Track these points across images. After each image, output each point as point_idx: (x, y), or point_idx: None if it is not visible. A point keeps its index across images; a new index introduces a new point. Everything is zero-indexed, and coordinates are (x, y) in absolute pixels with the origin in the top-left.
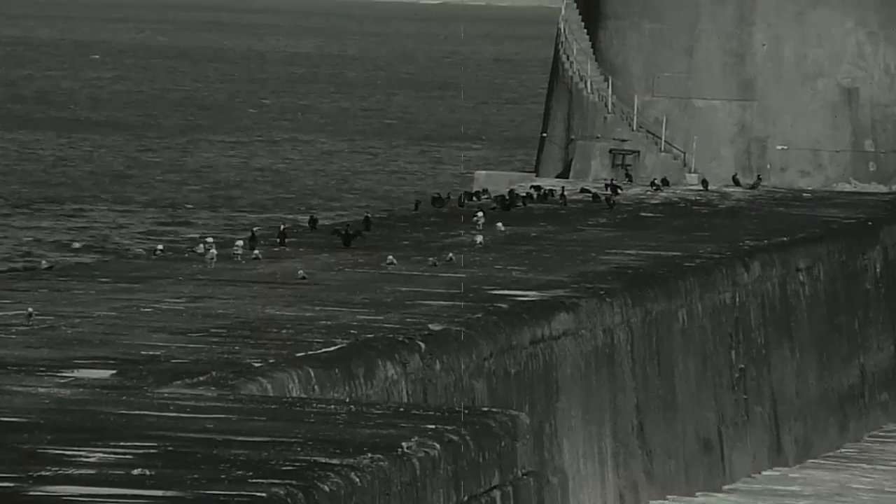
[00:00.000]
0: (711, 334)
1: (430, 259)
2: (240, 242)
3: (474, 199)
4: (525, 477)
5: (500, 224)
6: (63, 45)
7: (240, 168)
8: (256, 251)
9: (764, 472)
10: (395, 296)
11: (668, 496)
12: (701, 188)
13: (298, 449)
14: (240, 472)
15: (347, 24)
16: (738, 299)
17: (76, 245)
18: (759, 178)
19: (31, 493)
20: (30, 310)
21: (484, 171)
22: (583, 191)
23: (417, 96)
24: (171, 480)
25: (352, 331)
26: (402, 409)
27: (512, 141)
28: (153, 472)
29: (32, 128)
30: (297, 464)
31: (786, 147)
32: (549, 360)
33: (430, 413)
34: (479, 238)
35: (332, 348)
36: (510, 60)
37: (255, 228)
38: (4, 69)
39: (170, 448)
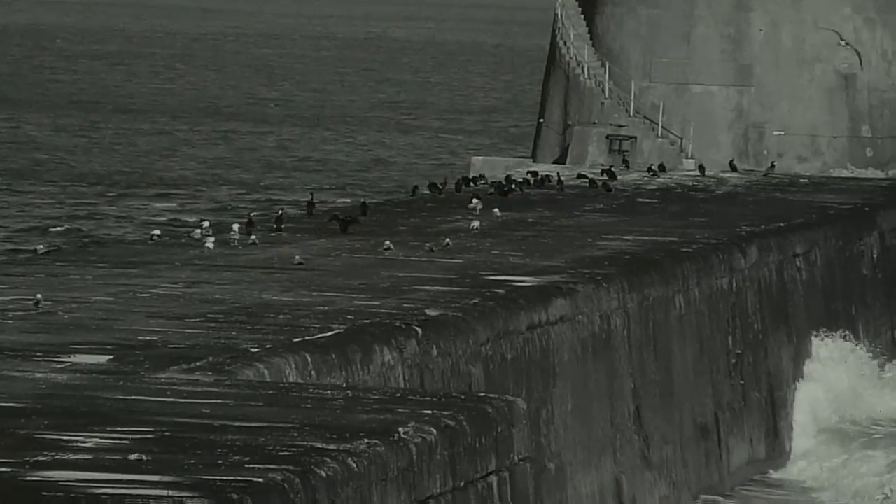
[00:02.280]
0: (708, 320)
1: (427, 244)
2: (236, 227)
3: (471, 184)
4: (521, 462)
5: (496, 210)
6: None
7: (237, 152)
8: (253, 236)
9: None
10: (392, 281)
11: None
12: (698, 174)
13: (295, 434)
14: (237, 458)
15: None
16: (735, 285)
17: (58, 229)
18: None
19: (28, 478)
20: (39, 296)
21: (481, 157)
22: (580, 176)
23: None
24: (167, 465)
25: (349, 316)
26: (398, 395)
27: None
28: (150, 458)
29: (28, 110)
30: (293, 449)
31: (783, 133)
32: (546, 345)
33: (427, 398)
34: (476, 223)
35: (329, 333)
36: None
37: (251, 213)
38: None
39: (166, 433)
